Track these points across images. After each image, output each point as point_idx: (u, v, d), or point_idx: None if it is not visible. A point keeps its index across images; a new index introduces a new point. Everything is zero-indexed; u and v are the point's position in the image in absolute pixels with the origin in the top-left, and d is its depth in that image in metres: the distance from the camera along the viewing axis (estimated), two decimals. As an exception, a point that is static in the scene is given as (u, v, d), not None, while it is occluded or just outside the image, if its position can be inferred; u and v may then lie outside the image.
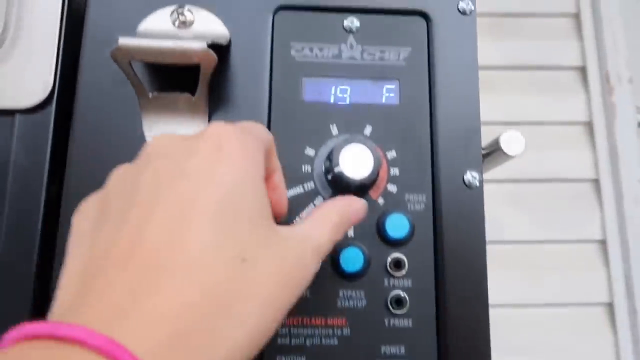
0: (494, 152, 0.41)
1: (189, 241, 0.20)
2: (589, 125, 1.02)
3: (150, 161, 0.23)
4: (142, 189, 0.21)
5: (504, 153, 0.41)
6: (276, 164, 0.28)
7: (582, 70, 1.03)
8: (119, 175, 0.23)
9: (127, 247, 0.19)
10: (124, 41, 0.30)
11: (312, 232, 0.25)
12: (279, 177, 0.28)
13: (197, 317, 0.18)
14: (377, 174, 0.32)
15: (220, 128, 0.23)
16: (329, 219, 0.26)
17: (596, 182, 1.01)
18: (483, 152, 0.43)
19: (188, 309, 0.18)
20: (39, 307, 0.31)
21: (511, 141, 0.41)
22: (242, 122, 0.26)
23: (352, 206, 0.28)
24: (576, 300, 0.99)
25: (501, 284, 1.08)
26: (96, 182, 0.32)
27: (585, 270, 0.99)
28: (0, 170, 0.33)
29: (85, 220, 0.22)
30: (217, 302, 0.19)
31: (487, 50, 1.23)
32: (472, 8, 0.37)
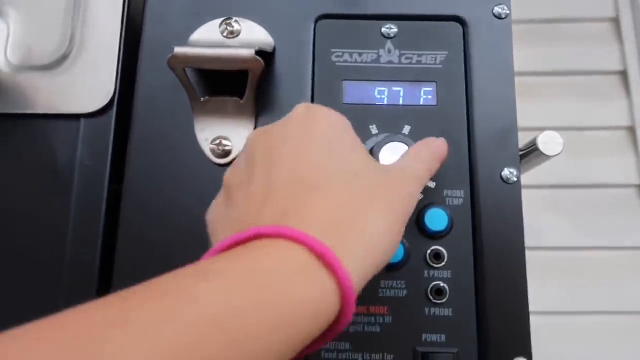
0: (531, 152, 0.42)
1: (316, 167, 0.26)
2: (631, 130, 1.00)
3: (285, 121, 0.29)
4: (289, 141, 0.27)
5: (542, 153, 0.42)
6: None
7: (623, 74, 1.02)
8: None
9: (285, 177, 0.26)
10: (180, 49, 0.33)
11: (409, 164, 0.30)
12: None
13: (337, 213, 0.24)
14: (417, 170, 0.34)
15: (303, 104, 0.30)
16: (422, 154, 0.31)
17: (639, 187, 0.99)
18: (520, 152, 0.44)
19: (330, 208, 0.24)
20: (103, 290, 0.34)
21: (549, 141, 0.41)
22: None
23: (437, 143, 0.33)
24: (618, 308, 0.97)
25: (540, 291, 1.07)
26: (153, 179, 0.35)
27: (629, 278, 0.97)
28: (67, 169, 0.36)
29: (235, 175, 0.28)
30: (347, 203, 0.25)
31: (527, 57, 1.22)
32: (507, 12, 0.39)
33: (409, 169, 0.29)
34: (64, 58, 0.37)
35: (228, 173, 0.29)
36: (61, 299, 0.34)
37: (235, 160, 0.30)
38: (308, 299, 0.22)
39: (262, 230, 0.23)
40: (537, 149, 0.41)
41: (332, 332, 0.23)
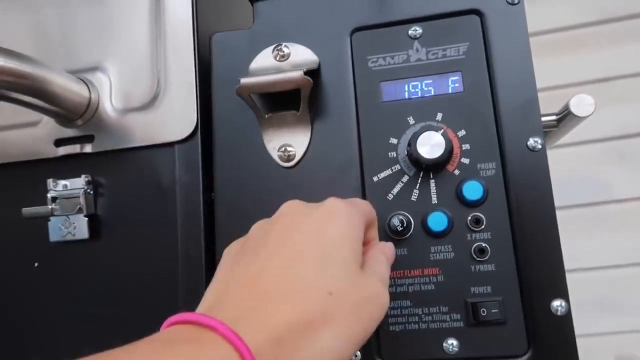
0: (566, 115, 0.46)
1: (294, 276, 0.28)
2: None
3: (280, 217, 0.33)
4: (271, 236, 0.31)
5: (575, 115, 0.46)
6: (374, 235, 0.37)
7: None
8: (258, 225, 0.34)
9: (255, 274, 0.29)
10: (245, 80, 0.41)
11: (377, 268, 0.33)
12: (375, 247, 0.36)
13: (291, 331, 0.26)
14: (450, 153, 0.40)
15: (334, 202, 0.33)
16: (382, 259, 0.34)
17: None
18: (556, 117, 0.48)
19: (286, 324, 0.26)
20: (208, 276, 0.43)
21: (580, 104, 0.46)
22: (353, 199, 0.37)
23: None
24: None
25: (613, 243, 1.07)
26: (237, 185, 0.44)
27: None
28: (170, 186, 0.45)
29: (229, 255, 0.33)
30: (307, 322, 0.26)
31: (574, 9, 1.21)
32: (520, -3, 0.43)
33: (378, 275, 0.32)
34: (155, 98, 0.46)
35: (229, 248, 0.34)
36: (180, 286, 0.43)
37: (236, 240, 0.34)
38: None
39: (208, 323, 0.25)
40: (570, 112, 0.46)
41: None
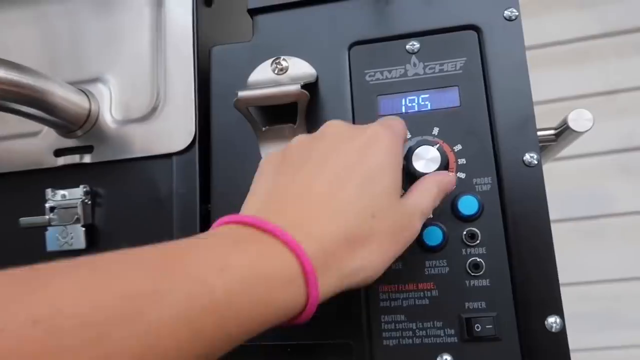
0: (564, 130, 0.47)
1: (340, 196, 0.30)
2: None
3: (325, 135, 0.34)
4: (316, 152, 0.32)
5: (573, 130, 0.46)
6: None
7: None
8: (299, 140, 0.35)
9: (300, 188, 0.30)
10: (242, 93, 0.41)
11: (419, 200, 0.34)
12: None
13: (335, 244, 0.28)
14: (446, 167, 0.40)
15: (379, 127, 0.34)
16: (431, 190, 0.35)
17: None
18: (554, 131, 0.48)
19: (334, 237, 0.28)
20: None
21: (578, 119, 0.46)
22: (388, 119, 0.37)
23: (446, 179, 0.37)
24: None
25: (616, 257, 1.07)
26: (234, 198, 0.44)
27: None
28: (167, 197, 0.46)
29: (270, 165, 0.34)
30: (352, 238, 0.29)
31: (580, 22, 1.21)
32: (517, 14, 0.43)
33: (419, 207, 0.34)
34: (154, 110, 0.47)
35: (267, 159, 0.35)
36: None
37: (275, 152, 0.35)
38: (281, 301, 0.26)
39: (266, 226, 0.27)
40: (568, 127, 0.46)
41: (291, 323, 0.29)
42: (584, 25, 1.21)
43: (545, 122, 0.47)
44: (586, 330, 1.05)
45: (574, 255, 1.05)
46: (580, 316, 1.05)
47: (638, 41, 1.18)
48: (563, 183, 1.10)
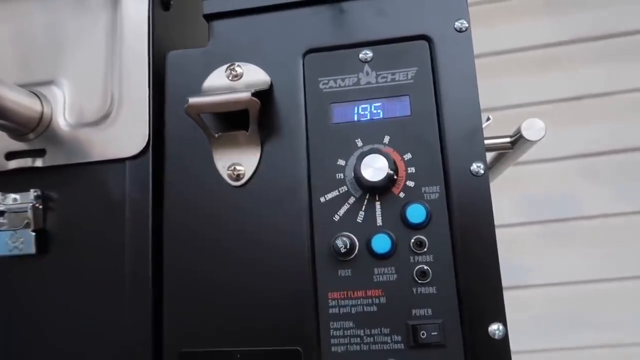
0: (519, 139, 0.47)
1: None
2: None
3: None
4: None
5: (527, 140, 0.47)
6: None
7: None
8: None
9: None
10: (193, 100, 0.41)
11: None
12: None
13: None
14: (394, 175, 0.40)
15: None
16: None
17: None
18: (510, 139, 0.49)
19: None
20: (157, 294, 0.43)
21: (531, 127, 0.47)
22: None
23: None
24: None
25: (583, 260, 1.09)
26: (186, 202, 0.44)
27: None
28: (120, 201, 0.45)
29: None
30: None
31: (551, 27, 1.24)
32: (467, 25, 0.44)
33: None
34: (108, 114, 0.47)
35: None
36: (126, 303, 0.43)
37: None
38: None
39: None
40: (522, 135, 0.47)
41: None
42: (553, 31, 1.23)
43: (512, 127, 0.48)
44: (552, 331, 1.07)
45: (541, 257, 1.07)
46: (547, 317, 1.07)
47: (605, 48, 1.21)
48: (531, 186, 1.12)
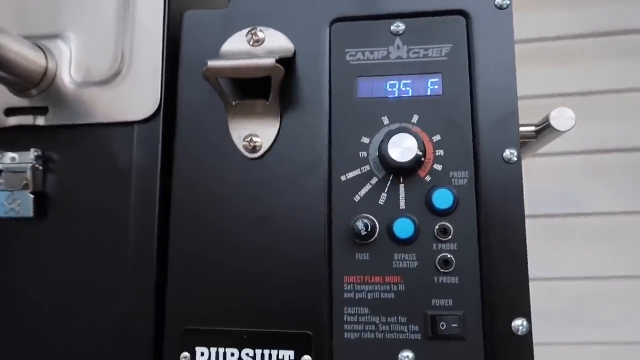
0: (546, 128, 0.45)
1: None
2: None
3: None
4: None
5: (555, 129, 0.44)
6: None
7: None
8: None
9: None
10: (212, 63, 0.38)
11: None
12: None
13: None
14: (422, 157, 0.38)
15: None
16: None
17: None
18: (535, 128, 0.47)
19: None
20: (161, 269, 0.41)
21: (560, 117, 0.44)
22: None
23: None
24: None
25: (582, 256, 1.08)
26: (196, 172, 0.41)
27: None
28: (126, 168, 0.43)
29: None
30: None
31: (567, 20, 1.21)
32: (508, 2, 0.41)
33: None
34: (117, 74, 0.43)
35: None
36: (128, 274, 0.41)
37: None
38: None
39: None
40: (549, 124, 0.44)
41: None
42: (568, 24, 1.20)
43: (520, 118, 0.46)
44: (548, 326, 1.06)
45: (541, 251, 1.06)
46: (543, 312, 1.06)
47: (619, 44, 1.18)
48: (535, 179, 1.10)
